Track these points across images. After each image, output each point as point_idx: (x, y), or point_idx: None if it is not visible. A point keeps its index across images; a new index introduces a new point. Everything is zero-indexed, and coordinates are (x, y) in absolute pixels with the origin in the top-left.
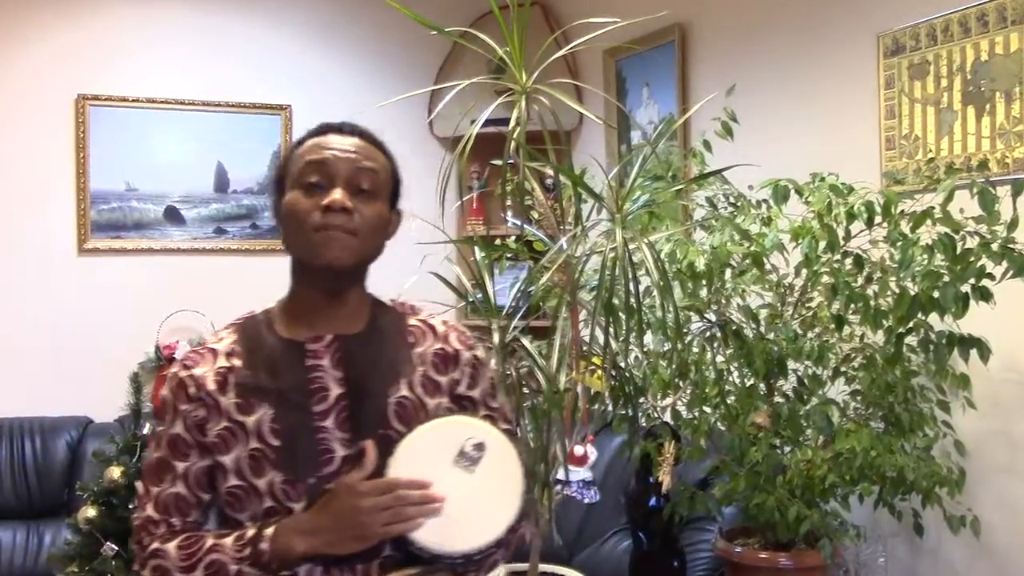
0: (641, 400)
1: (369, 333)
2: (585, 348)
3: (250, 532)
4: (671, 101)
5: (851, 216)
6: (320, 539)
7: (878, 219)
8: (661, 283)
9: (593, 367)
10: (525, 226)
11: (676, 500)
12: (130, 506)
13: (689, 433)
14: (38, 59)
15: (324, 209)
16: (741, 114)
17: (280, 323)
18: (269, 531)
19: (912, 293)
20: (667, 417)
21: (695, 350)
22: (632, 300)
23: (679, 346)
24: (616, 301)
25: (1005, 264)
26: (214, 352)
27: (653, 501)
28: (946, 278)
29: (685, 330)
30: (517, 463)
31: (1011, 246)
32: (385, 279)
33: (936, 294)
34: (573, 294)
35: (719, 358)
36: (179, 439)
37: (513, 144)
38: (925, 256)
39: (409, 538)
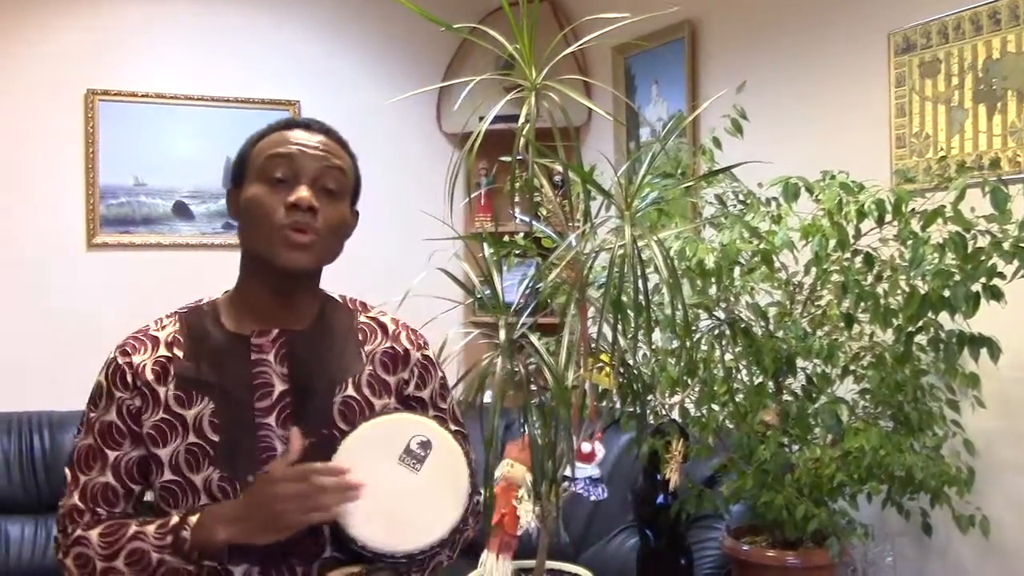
0: (649, 397)
1: (317, 330)
2: (593, 345)
3: (173, 520)
4: (680, 98)
5: (861, 214)
6: (239, 527)
7: (888, 217)
8: (670, 280)
9: (601, 364)
10: (533, 223)
11: (684, 498)
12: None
13: (697, 431)
14: (47, 54)
15: (289, 206)
16: (751, 111)
17: (226, 315)
18: (192, 519)
19: (922, 292)
20: (675, 415)
21: (704, 348)
22: (641, 297)
23: (688, 344)
24: (625, 298)
25: (1016, 263)
26: (155, 340)
27: (660, 499)
28: (957, 277)
29: (694, 328)
30: (464, 463)
31: (1023, 245)
32: (394, 276)
33: (947, 293)
34: (582, 291)
35: (728, 356)
36: (113, 427)
37: (522, 141)
38: (936, 255)
39: (351, 536)
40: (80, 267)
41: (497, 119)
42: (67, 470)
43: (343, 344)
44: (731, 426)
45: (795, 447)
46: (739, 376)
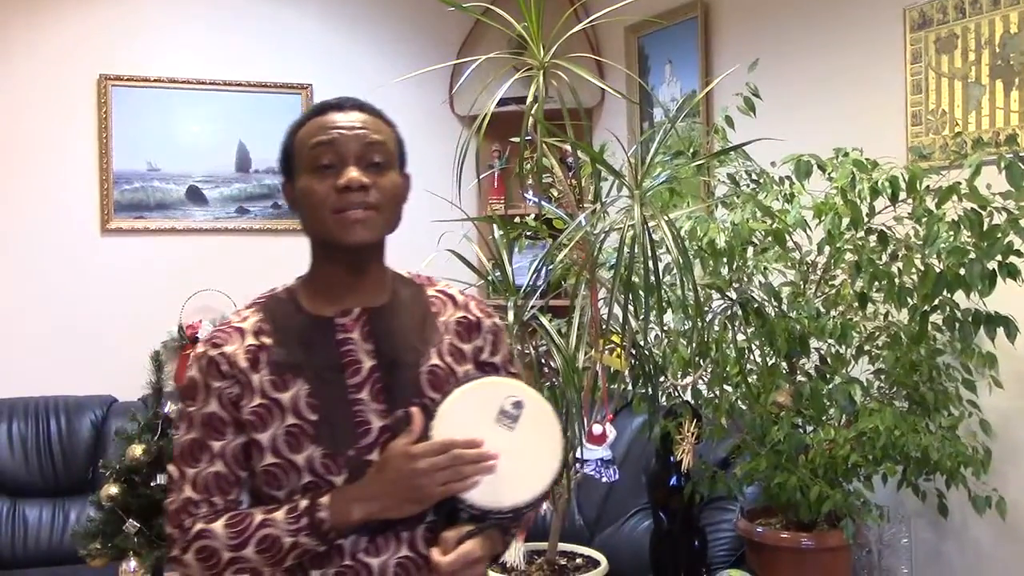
0: (661, 379)
1: (394, 304)
2: (604, 327)
3: (303, 504)
4: (694, 78)
5: (875, 192)
6: (377, 504)
7: (903, 195)
8: (681, 261)
9: (612, 346)
10: (544, 204)
11: (697, 480)
12: (152, 484)
13: (710, 412)
14: (60, 40)
15: (341, 189)
16: (764, 90)
17: (305, 299)
18: (325, 500)
19: (937, 270)
20: (687, 396)
21: (716, 328)
22: (652, 278)
23: (700, 324)
24: (636, 279)
25: None
26: (240, 331)
27: (674, 480)
28: (972, 255)
29: (706, 308)
30: (554, 418)
31: None
32: (403, 257)
33: (962, 271)
34: (592, 272)
35: (740, 336)
36: (214, 417)
37: (532, 121)
38: (951, 233)
39: (459, 498)
40: (95, 252)
41: (510, 100)
42: (171, 467)
43: (421, 316)
44: (744, 407)
45: (809, 428)
46: (752, 357)
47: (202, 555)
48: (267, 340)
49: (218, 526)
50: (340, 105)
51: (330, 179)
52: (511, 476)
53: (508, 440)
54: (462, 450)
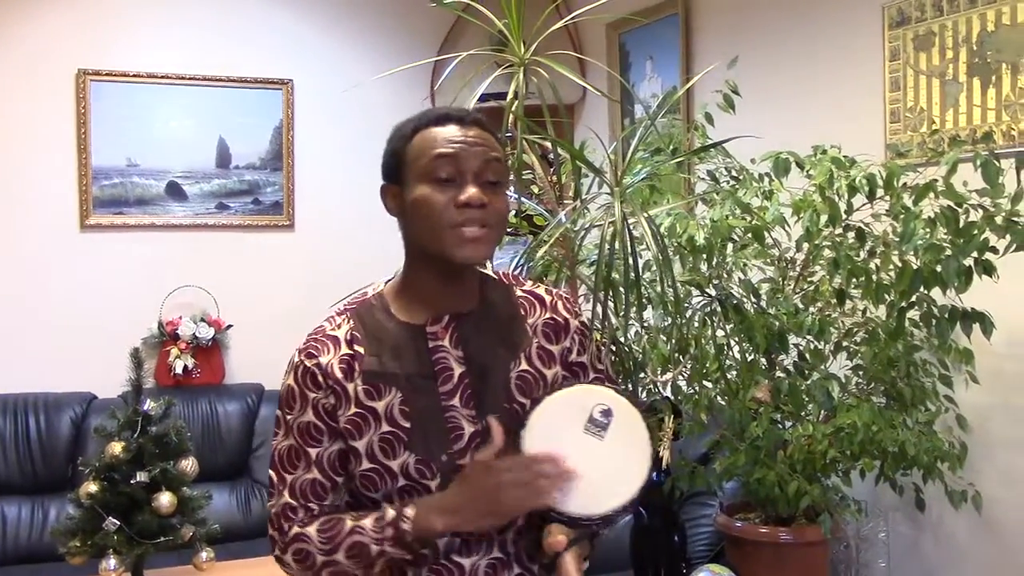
0: (641, 375)
1: (483, 310)
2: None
3: (390, 514)
4: (675, 75)
5: (853, 189)
6: (459, 517)
7: (880, 192)
8: (660, 257)
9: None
10: (525, 200)
11: (676, 475)
12: (131, 481)
13: (689, 408)
14: (39, 34)
15: (461, 205)
16: (744, 87)
17: (396, 306)
18: (409, 511)
19: (914, 267)
20: (667, 392)
21: (695, 325)
22: (632, 275)
23: (679, 321)
24: (616, 276)
25: (1009, 237)
26: (335, 340)
27: (654, 476)
28: (949, 252)
29: (685, 305)
30: (642, 424)
31: (1015, 219)
32: (384, 252)
33: (939, 268)
34: (572, 269)
35: (719, 333)
36: (311, 426)
37: (512, 118)
38: (928, 230)
39: (550, 505)
40: (74, 248)
41: (491, 97)
42: (272, 473)
43: (509, 320)
44: (723, 403)
45: (787, 423)
46: (731, 353)
47: (299, 556)
48: (360, 349)
49: (312, 530)
50: (461, 119)
51: (450, 192)
52: (601, 484)
53: (597, 448)
54: (542, 466)
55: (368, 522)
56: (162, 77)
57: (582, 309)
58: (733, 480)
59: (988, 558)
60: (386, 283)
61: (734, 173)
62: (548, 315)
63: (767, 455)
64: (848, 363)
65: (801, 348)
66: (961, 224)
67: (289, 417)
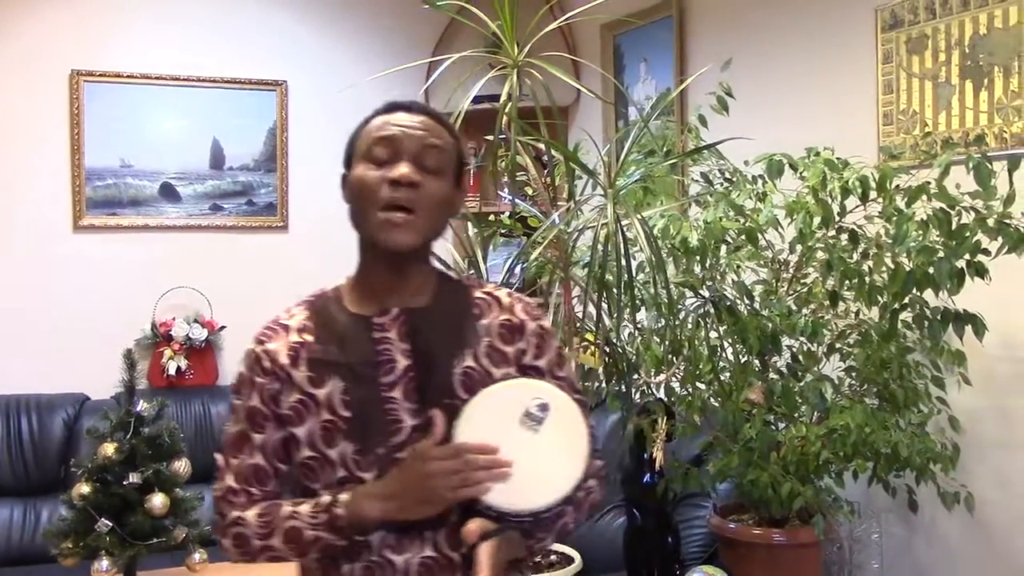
0: (635, 376)
1: (434, 306)
2: (578, 324)
3: (325, 499)
4: (669, 77)
5: (845, 191)
6: (392, 504)
7: (873, 194)
8: (654, 259)
9: (586, 343)
10: (519, 202)
11: (670, 476)
12: (124, 483)
13: (683, 409)
14: (32, 35)
15: (391, 182)
16: (737, 89)
17: (349, 299)
18: (344, 497)
19: (907, 269)
20: (661, 393)
21: (689, 326)
22: (625, 276)
23: (673, 322)
24: (609, 277)
25: (1000, 239)
26: (286, 328)
27: (647, 477)
28: (941, 254)
29: (679, 306)
30: (582, 424)
31: (1007, 221)
32: None
33: (931, 270)
34: (566, 270)
35: (713, 334)
36: (256, 411)
37: (505, 119)
38: (920, 232)
39: (479, 499)
40: (67, 249)
41: (484, 98)
42: (219, 456)
43: (460, 318)
44: (717, 404)
45: (781, 425)
46: (724, 354)
47: (237, 541)
48: (309, 337)
49: (251, 515)
50: (409, 107)
51: (384, 171)
52: (532, 479)
53: (531, 442)
54: (474, 455)
55: (305, 508)
56: (156, 78)
57: (576, 309)
58: (726, 481)
59: (980, 559)
60: (347, 278)
61: (727, 175)
62: (504, 316)
63: (760, 456)
64: (841, 365)
65: (794, 350)
66: (954, 226)
67: (239, 403)
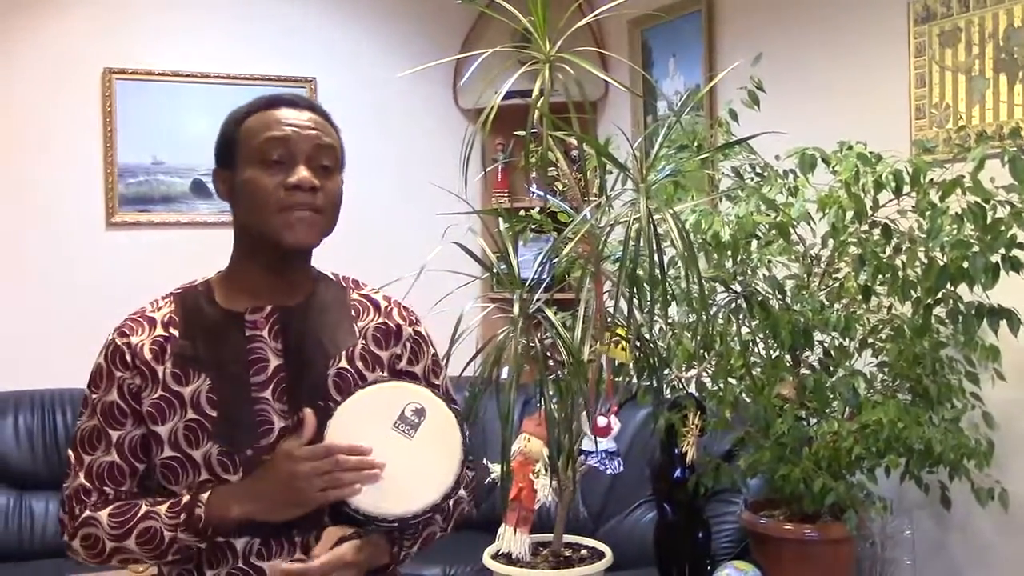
0: (666, 371)
1: (310, 305)
2: (609, 319)
3: (185, 498)
4: (698, 72)
5: (879, 185)
6: (256, 505)
7: (907, 188)
8: (685, 254)
9: (617, 338)
10: (549, 197)
11: (701, 472)
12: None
13: (714, 404)
14: (65, 33)
15: (290, 188)
16: (768, 83)
17: (220, 294)
18: (205, 496)
19: (941, 263)
20: (692, 388)
21: (720, 321)
22: (656, 271)
23: (704, 317)
24: (640, 272)
25: None
26: (152, 321)
27: (678, 473)
28: (976, 248)
29: (710, 301)
30: (456, 431)
31: None
32: (408, 250)
33: (965, 264)
34: (597, 265)
35: (744, 329)
36: (115, 407)
37: (537, 114)
38: (954, 226)
39: (345, 501)
40: (100, 245)
41: (514, 94)
42: (70, 452)
43: (336, 319)
44: (748, 399)
45: (812, 420)
46: (756, 349)
47: (87, 542)
48: (175, 332)
49: (104, 514)
50: (294, 102)
51: (279, 175)
52: (401, 485)
53: (403, 448)
54: (344, 456)
55: (163, 507)
56: (187, 75)
57: (607, 304)
58: (758, 477)
59: (1015, 556)
60: (217, 273)
61: (758, 169)
62: (381, 320)
63: (792, 452)
64: (873, 360)
65: (826, 345)
66: (988, 220)
67: (94, 396)
